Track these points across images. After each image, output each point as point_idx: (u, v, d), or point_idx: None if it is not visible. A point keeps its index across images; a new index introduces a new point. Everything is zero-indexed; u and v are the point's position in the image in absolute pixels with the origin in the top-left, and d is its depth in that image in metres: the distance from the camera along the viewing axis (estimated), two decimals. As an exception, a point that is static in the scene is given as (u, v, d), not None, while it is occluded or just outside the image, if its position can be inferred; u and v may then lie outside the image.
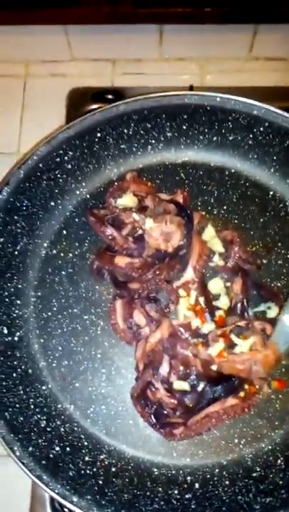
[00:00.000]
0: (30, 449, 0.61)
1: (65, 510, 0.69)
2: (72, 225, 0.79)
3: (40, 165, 0.73)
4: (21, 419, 0.64)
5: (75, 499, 0.58)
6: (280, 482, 0.63)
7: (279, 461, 0.66)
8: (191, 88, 0.93)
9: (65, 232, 0.78)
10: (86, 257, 0.77)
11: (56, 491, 0.58)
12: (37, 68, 1.04)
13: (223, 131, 0.79)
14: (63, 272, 0.76)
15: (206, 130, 0.80)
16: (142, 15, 0.92)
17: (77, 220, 0.79)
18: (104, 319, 0.74)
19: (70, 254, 0.77)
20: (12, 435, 0.60)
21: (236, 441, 0.68)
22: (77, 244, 0.78)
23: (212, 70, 1.05)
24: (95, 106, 0.96)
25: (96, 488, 0.61)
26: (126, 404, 0.69)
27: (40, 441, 0.63)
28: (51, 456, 0.63)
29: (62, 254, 0.77)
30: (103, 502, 0.59)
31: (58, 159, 0.75)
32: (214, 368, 0.65)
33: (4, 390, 0.65)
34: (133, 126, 0.78)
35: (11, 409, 0.64)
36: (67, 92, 0.99)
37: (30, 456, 0.60)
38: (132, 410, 0.69)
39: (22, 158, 0.74)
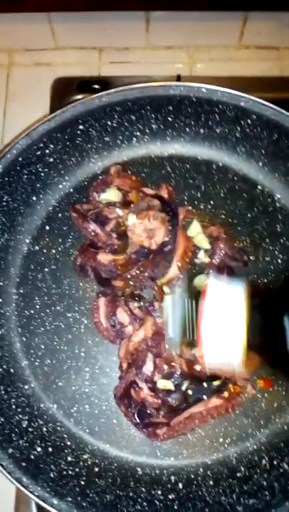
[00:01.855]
0: (10, 450, 0.60)
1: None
2: (55, 220, 0.77)
3: (20, 158, 0.71)
4: (2, 419, 0.63)
5: (55, 501, 0.57)
6: (264, 483, 0.62)
7: (264, 461, 0.65)
8: (178, 78, 0.90)
9: (47, 227, 0.76)
10: (70, 253, 0.75)
11: (36, 493, 0.57)
12: (21, 57, 1.01)
13: (210, 123, 0.76)
14: (46, 269, 0.75)
15: (193, 122, 0.77)
16: (126, 1, 0.89)
17: (60, 215, 0.77)
18: (88, 317, 0.72)
19: (53, 251, 0.76)
20: (-8, 437, 0.59)
21: (221, 440, 0.67)
22: (60, 240, 0.76)
23: (201, 59, 1.02)
24: (80, 96, 0.93)
25: (78, 489, 0.60)
26: (110, 404, 0.68)
27: (21, 442, 0.62)
28: (32, 457, 0.61)
29: (45, 251, 0.75)
30: (84, 504, 0.58)
31: (38, 152, 0.73)
32: (198, 367, 0.64)
33: (-16, 391, 0.64)
34: (117, 118, 0.76)
35: (-9, 410, 0.62)
36: (51, 82, 0.96)
37: (9, 457, 0.59)
38: (115, 409, 0.68)
39: (1, 151, 0.72)
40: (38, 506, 0.70)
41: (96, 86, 0.94)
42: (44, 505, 0.56)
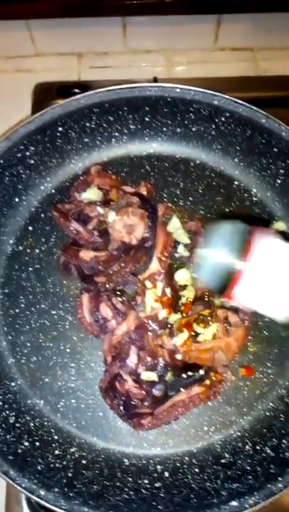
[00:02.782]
0: (-2, 445, 0.61)
1: (42, 506, 0.69)
2: (38, 220, 0.78)
3: (1, 161, 0.73)
4: (-11, 416, 0.64)
5: (42, 492, 0.58)
6: (248, 468, 0.64)
7: (247, 446, 0.67)
8: (154, 80, 0.93)
9: (30, 228, 0.78)
10: (53, 252, 0.77)
11: (23, 485, 0.58)
12: (2, 64, 1.03)
13: (186, 122, 0.79)
14: (30, 268, 0.76)
15: (169, 122, 0.80)
16: (101, 7, 0.91)
17: (42, 215, 0.79)
18: (73, 314, 0.74)
19: (37, 250, 0.77)
20: (-23, 432, 0.60)
21: (206, 428, 0.68)
22: (43, 239, 0.78)
23: (179, 61, 1.05)
24: (61, 101, 0.95)
25: (65, 480, 0.61)
26: (96, 397, 0.70)
27: (8, 437, 0.63)
28: (19, 451, 0.63)
29: (28, 251, 0.77)
30: (71, 494, 0.59)
31: (19, 155, 0.74)
32: (179, 357, 0.66)
33: (-29, 388, 0.65)
34: (95, 120, 0.78)
35: (-22, 407, 0.63)
36: (32, 87, 0.98)
37: (-4, 452, 0.60)
38: (101, 403, 0.69)
39: (-18, 155, 0.73)
40: (28, 502, 0.72)
41: (76, 90, 0.96)
42: (31, 496, 0.58)
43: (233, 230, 0.55)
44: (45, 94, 0.97)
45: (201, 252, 0.56)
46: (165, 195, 0.80)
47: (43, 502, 0.57)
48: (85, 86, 0.96)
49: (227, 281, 0.54)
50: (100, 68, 1.04)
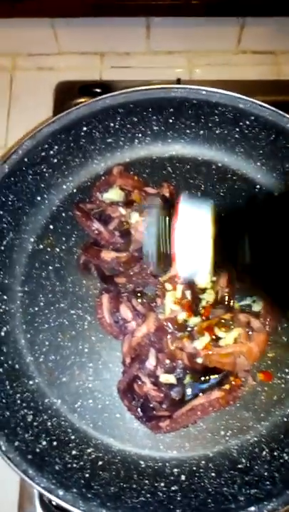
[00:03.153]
0: (17, 443, 0.61)
1: (54, 504, 0.69)
2: (59, 219, 0.79)
3: (26, 159, 0.73)
4: (7, 413, 0.64)
5: (60, 493, 0.58)
6: (265, 474, 0.64)
7: (264, 452, 0.66)
8: (178, 81, 0.92)
9: (51, 226, 0.78)
10: (73, 251, 0.77)
11: (42, 485, 0.58)
12: (24, 61, 1.03)
13: (210, 124, 0.79)
14: (50, 267, 0.76)
15: (193, 124, 0.80)
16: (127, 7, 0.92)
17: (64, 214, 0.79)
18: (92, 314, 0.74)
19: (57, 249, 0.77)
20: (-1, 430, 0.61)
21: (222, 433, 0.68)
22: (64, 238, 0.78)
23: (200, 63, 1.05)
24: (82, 99, 0.95)
25: (82, 481, 0.61)
26: (113, 398, 0.70)
27: (26, 435, 0.63)
28: (37, 450, 0.63)
29: (49, 249, 0.77)
30: (89, 495, 0.59)
31: (43, 153, 0.75)
32: (200, 361, 0.65)
33: (-10, 385, 0.65)
34: (119, 120, 0.78)
35: (-3, 404, 0.64)
36: (54, 86, 0.98)
37: (16, 450, 0.60)
38: (119, 404, 0.69)
39: (7, 153, 0.73)
40: (42, 502, 0.72)
41: (97, 90, 0.96)
42: (50, 496, 0.58)
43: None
44: (67, 92, 0.97)
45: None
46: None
47: (61, 502, 0.57)
48: (106, 86, 0.96)
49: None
50: (121, 68, 1.04)
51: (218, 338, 0.65)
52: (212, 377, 0.66)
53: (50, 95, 0.98)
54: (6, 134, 0.97)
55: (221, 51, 1.04)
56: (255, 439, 0.67)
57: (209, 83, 0.87)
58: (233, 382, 0.65)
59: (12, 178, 0.73)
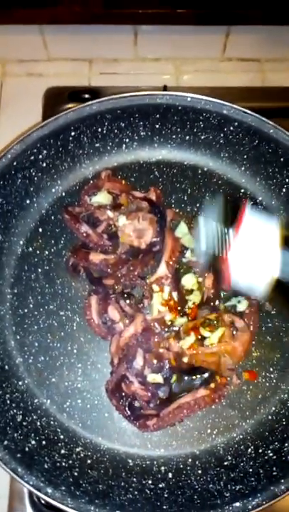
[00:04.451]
0: (6, 442, 0.62)
1: (43, 503, 0.70)
2: (48, 222, 0.80)
3: (15, 163, 0.74)
4: (-3, 414, 0.65)
5: (49, 490, 0.59)
6: (250, 470, 0.65)
7: (249, 450, 0.68)
8: (164, 88, 0.94)
9: (40, 229, 0.79)
10: (62, 254, 0.78)
11: (31, 482, 0.59)
12: (14, 68, 1.05)
13: (195, 130, 0.81)
14: (39, 269, 0.77)
15: (179, 129, 0.82)
16: (115, 15, 0.94)
17: (52, 217, 0.80)
18: (80, 315, 0.75)
19: (46, 252, 0.78)
20: (-13, 429, 0.61)
21: (209, 431, 0.70)
22: (53, 241, 0.79)
23: (187, 70, 1.07)
24: (71, 105, 0.96)
25: (71, 479, 0.62)
26: (101, 398, 0.71)
27: (15, 435, 0.64)
28: (26, 449, 0.64)
29: (38, 252, 0.78)
30: (77, 493, 0.60)
31: (32, 157, 0.76)
32: (186, 360, 0.67)
33: (-20, 386, 0.66)
34: (107, 125, 0.79)
35: (-14, 405, 0.64)
36: (43, 92, 1.00)
37: (5, 449, 0.61)
38: (107, 404, 0.70)
39: (-3, 157, 0.75)
40: (32, 502, 0.73)
41: (86, 96, 0.98)
42: (39, 494, 0.58)
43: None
44: (56, 98, 0.99)
45: (202, 220, 0.59)
46: (173, 201, 0.82)
47: (50, 500, 0.58)
48: (95, 91, 0.98)
49: (222, 247, 0.57)
50: (109, 74, 1.06)
51: (203, 338, 0.66)
52: (198, 376, 0.67)
53: (39, 101, 0.99)
54: (-4, 140, 0.99)
55: (207, 58, 1.07)
56: (241, 436, 0.69)
57: (196, 90, 0.89)
58: (218, 381, 0.67)
59: (1, 182, 0.74)
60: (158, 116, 0.80)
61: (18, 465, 0.60)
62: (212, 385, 0.67)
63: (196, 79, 1.07)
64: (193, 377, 0.68)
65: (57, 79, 1.04)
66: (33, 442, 0.65)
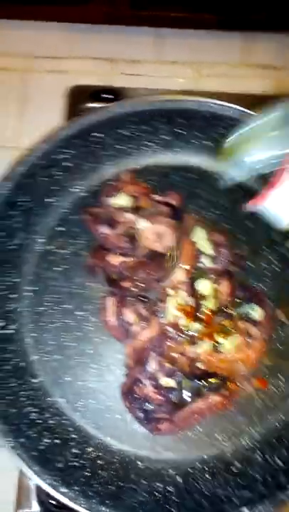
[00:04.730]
0: (22, 440, 0.63)
1: (52, 502, 0.71)
2: (68, 222, 0.80)
3: (41, 162, 0.74)
4: (13, 410, 0.65)
5: (63, 490, 0.60)
6: (258, 477, 0.66)
7: (257, 456, 0.69)
8: (186, 92, 0.95)
9: (60, 228, 0.80)
10: (80, 254, 0.79)
11: (47, 481, 0.60)
12: (37, 63, 1.04)
13: (217, 136, 0.81)
14: (58, 268, 0.78)
15: (200, 135, 0.82)
16: (140, 17, 0.94)
17: (72, 217, 0.80)
18: (96, 316, 0.75)
19: (65, 251, 0.79)
20: (5, 426, 0.62)
21: (217, 436, 0.70)
22: (72, 241, 0.79)
23: (206, 74, 1.07)
24: (92, 104, 0.97)
25: (83, 479, 0.63)
26: (114, 400, 0.71)
27: (30, 432, 0.65)
28: (41, 447, 0.64)
29: (57, 251, 0.79)
30: (90, 493, 0.61)
31: (57, 157, 0.76)
32: (199, 365, 0.68)
33: (-3, 382, 0.67)
34: (131, 128, 0.80)
35: (3, 401, 0.65)
36: (66, 89, 0.99)
37: (21, 447, 0.62)
38: (119, 405, 0.71)
39: (23, 155, 0.75)
40: (39, 499, 0.73)
41: (108, 96, 0.98)
42: (54, 492, 0.59)
43: None
44: (78, 97, 0.99)
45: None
46: (191, 206, 0.82)
47: (64, 499, 0.59)
48: (117, 92, 0.99)
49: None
50: (130, 75, 1.06)
51: (218, 345, 0.67)
52: (210, 381, 0.68)
53: (61, 98, 0.99)
54: (17, 135, 0.98)
55: (226, 63, 1.07)
56: (249, 443, 0.70)
57: (214, 95, 0.90)
58: (230, 388, 0.68)
59: (26, 180, 0.74)
60: (181, 121, 0.80)
61: (34, 463, 0.61)
62: (224, 391, 0.67)
63: (214, 83, 1.06)
64: (206, 382, 0.68)
65: (79, 77, 1.03)
66: (47, 441, 0.66)
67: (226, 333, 0.69)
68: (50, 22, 0.94)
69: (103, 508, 0.60)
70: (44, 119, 0.95)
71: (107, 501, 0.62)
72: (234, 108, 0.78)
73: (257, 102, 0.97)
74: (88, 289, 0.77)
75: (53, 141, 0.74)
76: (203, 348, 0.68)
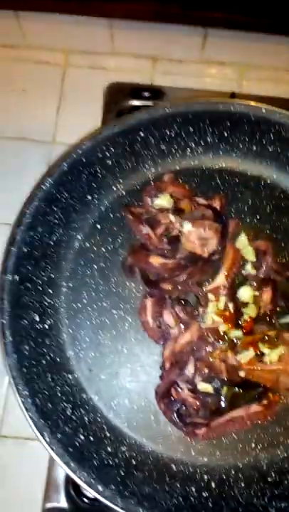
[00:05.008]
0: (59, 435, 0.63)
1: (80, 498, 0.71)
2: (106, 220, 0.80)
3: (83, 159, 0.74)
4: (50, 405, 0.65)
5: (100, 488, 0.60)
6: (294, 488, 0.65)
7: (293, 468, 0.68)
8: (232, 95, 0.94)
9: (99, 226, 0.79)
10: (118, 252, 0.78)
11: (83, 478, 0.60)
12: (77, 58, 1.04)
13: (264, 141, 0.80)
14: (95, 266, 0.78)
15: (247, 139, 0.81)
16: (189, 17, 0.93)
17: (111, 215, 0.80)
18: (133, 316, 0.75)
19: (103, 249, 0.79)
20: (42, 421, 0.62)
21: (253, 445, 0.70)
22: (110, 239, 0.79)
23: (251, 77, 1.06)
24: (132, 102, 0.97)
25: (118, 478, 0.63)
26: (148, 400, 0.71)
27: (66, 428, 0.65)
28: (76, 444, 0.64)
29: (95, 248, 0.79)
30: (126, 493, 0.61)
31: (100, 155, 0.76)
32: (242, 374, 0.67)
33: (35, 377, 0.67)
34: (176, 129, 0.79)
35: (40, 395, 0.65)
36: (105, 85, 0.99)
37: (58, 442, 0.62)
38: (153, 406, 0.71)
39: (67, 151, 0.75)
40: (68, 493, 0.74)
41: (147, 94, 0.97)
42: (90, 490, 0.59)
43: None
44: (117, 94, 0.98)
45: None
46: (233, 211, 0.81)
47: (101, 498, 0.59)
48: (157, 91, 0.98)
49: None
50: (172, 75, 1.05)
51: (262, 354, 0.66)
52: (251, 391, 0.67)
53: (100, 94, 0.99)
54: (55, 129, 0.99)
55: (272, 67, 1.05)
56: (285, 454, 0.69)
57: (259, 99, 0.88)
58: (271, 398, 0.67)
59: (68, 177, 0.74)
60: (228, 124, 0.79)
61: (70, 459, 0.61)
62: (265, 402, 0.67)
63: (259, 87, 1.05)
64: (246, 391, 0.67)
65: (119, 74, 1.03)
66: (82, 437, 0.66)
67: (270, 343, 0.67)
68: (92, 17, 0.93)
69: (140, 510, 0.60)
70: (82, 115, 0.96)
71: (144, 503, 0.61)
72: (284, 114, 0.76)
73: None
74: (125, 289, 0.77)
75: (99, 140, 0.74)
76: (248, 357, 0.67)
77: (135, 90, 0.98)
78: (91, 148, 0.74)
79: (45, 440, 0.61)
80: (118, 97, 0.99)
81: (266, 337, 0.67)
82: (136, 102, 0.97)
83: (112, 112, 0.96)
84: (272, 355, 0.65)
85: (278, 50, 1.01)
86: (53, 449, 0.61)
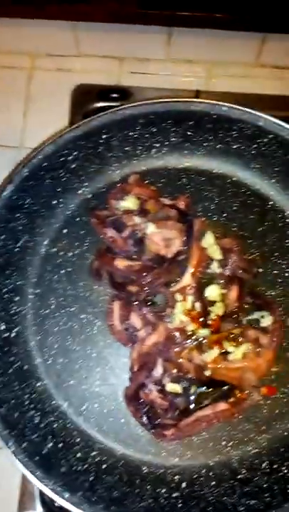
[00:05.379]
0: (25, 444, 0.63)
1: (55, 504, 0.70)
2: (72, 224, 0.79)
3: (45, 164, 0.73)
4: (16, 414, 0.65)
5: (66, 495, 0.60)
6: (264, 485, 0.65)
7: (264, 464, 0.68)
8: (197, 93, 0.93)
9: (65, 231, 0.79)
10: (85, 256, 0.78)
11: (49, 486, 0.60)
12: (43, 62, 1.03)
13: (228, 139, 0.80)
14: (62, 271, 0.77)
15: (211, 137, 0.80)
16: (149, 16, 0.92)
17: (78, 219, 0.80)
18: (101, 319, 0.75)
19: (70, 253, 0.78)
20: (7, 431, 0.62)
21: (224, 443, 0.70)
22: (76, 243, 0.79)
23: (218, 74, 1.05)
24: (99, 104, 0.96)
25: (87, 484, 0.63)
26: (118, 404, 0.71)
27: (33, 437, 0.65)
28: (44, 452, 0.64)
29: (61, 253, 0.78)
30: (94, 499, 0.61)
31: (62, 158, 0.75)
32: (207, 373, 0.67)
33: (1, 386, 0.66)
34: (139, 130, 0.78)
35: (6, 405, 0.65)
36: (72, 88, 0.99)
37: (24, 451, 0.62)
38: (124, 409, 0.71)
39: (27, 156, 0.74)
40: (43, 501, 0.73)
41: (115, 95, 0.97)
42: (57, 498, 0.59)
43: None
44: (84, 95, 0.98)
45: None
46: (199, 210, 0.81)
47: (68, 505, 0.59)
48: (125, 91, 0.97)
49: None
50: (139, 74, 1.05)
51: (227, 353, 0.66)
52: (217, 389, 0.67)
53: (67, 97, 0.98)
54: (22, 134, 0.98)
55: (240, 63, 1.05)
56: (256, 451, 0.69)
57: (227, 95, 0.88)
58: (238, 396, 0.67)
59: (30, 182, 0.73)
60: (191, 123, 0.78)
61: (36, 468, 0.61)
62: (232, 399, 0.67)
63: (227, 83, 1.05)
64: (213, 390, 0.68)
65: (86, 75, 1.02)
66: (50, 445, 0.66)
67: (235, 341, 0.68)
68: (56, 20, 0.92)
69: (107, 514, 0.60)
70: (49, 118, 0.95)
71: (112, 507, 0.61)
72: (246, 111, 0.76)
73: (271, 104, 0.97)
74: (93, 292, 0.76)
75: (58, 143, 0.73)
76: (212, 356, 0.67)
77: (102, 92, 0.98)
78: (52, 153, 0.74)
79: (10, 450, 0.61)
80: (85, 99, 0.98)
81: (231, 335, 0.67)
82: (103, 104, 0.96)
83: (79, 114, 0.96)
84: (236, 353, 0.65)
85: (244, 46, 1.01)
86: (18, 459, 0.60)
